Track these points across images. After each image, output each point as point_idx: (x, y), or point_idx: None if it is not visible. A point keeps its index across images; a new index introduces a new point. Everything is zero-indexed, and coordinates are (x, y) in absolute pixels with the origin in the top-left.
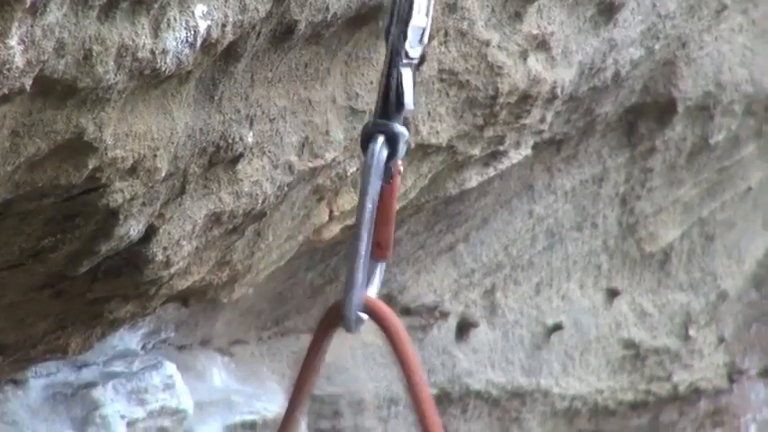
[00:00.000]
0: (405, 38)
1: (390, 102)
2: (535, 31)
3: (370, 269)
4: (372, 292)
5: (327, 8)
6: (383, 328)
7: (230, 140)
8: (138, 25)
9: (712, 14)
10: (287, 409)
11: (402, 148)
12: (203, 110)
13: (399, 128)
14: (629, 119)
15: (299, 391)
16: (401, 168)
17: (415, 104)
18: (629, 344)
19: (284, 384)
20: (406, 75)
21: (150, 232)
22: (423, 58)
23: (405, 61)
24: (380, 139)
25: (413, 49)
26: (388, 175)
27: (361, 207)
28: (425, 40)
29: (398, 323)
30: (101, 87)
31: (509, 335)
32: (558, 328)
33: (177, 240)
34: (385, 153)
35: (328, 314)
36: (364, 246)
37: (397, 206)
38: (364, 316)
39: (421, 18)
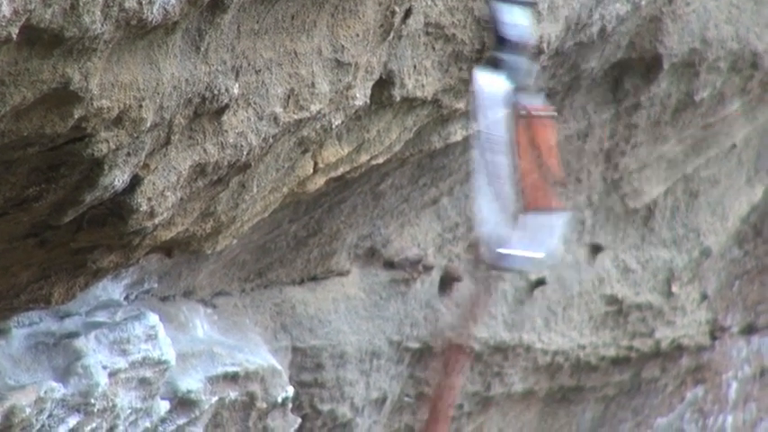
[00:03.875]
0: None
1: None
2: None
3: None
4: None
5: None
6: None
7: (216, 91)
8: None
9: None
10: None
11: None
12: (189, 61)
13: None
14: (615, 75)
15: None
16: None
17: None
18: (612, 300)
19: (266, 336)
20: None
21: (135, 182)
22: (409, 12)
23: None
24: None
25: None
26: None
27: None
28: None
29: None
30: (87, 37)
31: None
32: (541, 283)
33: (162, 191)
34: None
35: None
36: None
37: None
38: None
39: None
